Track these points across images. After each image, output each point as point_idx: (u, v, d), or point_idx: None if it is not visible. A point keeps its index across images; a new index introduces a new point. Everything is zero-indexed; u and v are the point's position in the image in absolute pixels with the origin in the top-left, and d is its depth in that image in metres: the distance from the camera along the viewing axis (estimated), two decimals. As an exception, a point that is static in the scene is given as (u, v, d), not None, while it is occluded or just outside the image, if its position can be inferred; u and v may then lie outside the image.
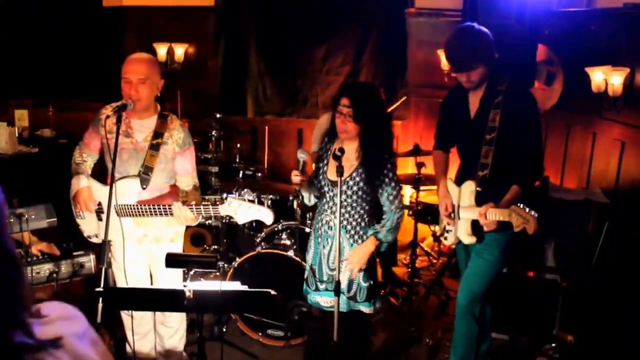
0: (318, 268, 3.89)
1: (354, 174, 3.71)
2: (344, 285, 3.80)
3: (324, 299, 3.90)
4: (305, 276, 3.99)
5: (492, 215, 3.57)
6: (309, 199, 3.96)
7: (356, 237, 3.79)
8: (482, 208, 3.62)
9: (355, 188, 3.71)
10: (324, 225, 3.85)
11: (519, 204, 3.45)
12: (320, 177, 3.83)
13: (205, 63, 7.66)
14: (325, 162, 3.84)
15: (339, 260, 3.56)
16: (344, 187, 3.71)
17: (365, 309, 3.87)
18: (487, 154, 3.71)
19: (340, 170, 3.46)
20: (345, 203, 3.73)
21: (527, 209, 3.40)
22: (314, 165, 3.99)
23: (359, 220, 3.77)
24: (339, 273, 3.56)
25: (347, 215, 3.76)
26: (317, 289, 3.91)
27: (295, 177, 3.69)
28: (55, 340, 1.17)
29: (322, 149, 3.85)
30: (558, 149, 6.30)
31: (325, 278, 3.87)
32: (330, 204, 3.80)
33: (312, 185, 3.89)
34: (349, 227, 3.78)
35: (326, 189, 3.80)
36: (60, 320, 1.22)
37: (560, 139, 6.30)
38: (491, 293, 4.00)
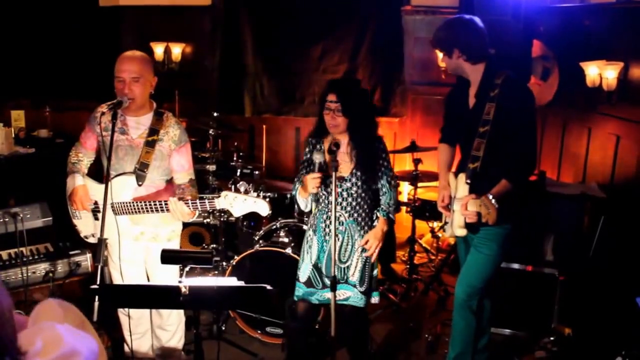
0: (325, 265, 3.92)
1: (355, 169, 3.82)
2: (355, 279, 3.90)
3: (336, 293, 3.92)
4: (306, 279, 3.98)
5: (471, 207, 3.60)
6: (306, 205, 3.99)
7: (366, 227, 3.90)
8: (464, 199, 3.66)
9: (361, 181, 3.83)
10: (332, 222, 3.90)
11: (488, 195, 3.48)
12: (327, 178, 3.85)
13: (203, 62, 7.67)
14: (325, 165, 3.88)
15: (334, 257, 3.60)
16: (349, 184, 3.83)
17: (375, 299, 4.01)
18: (479, 147, 3.71)
19: (334, 165, 3.58)
20: (355, 195, 3.85)
21: (493, 200, 3.44)
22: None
23: (367, 210, 3.91)
24: (334, 268, 3.64)
25: (357, 207, 3.88)
26: (324, 286, 3.94)
27: (316, 180, 3.70)
28: None
29: (315, 153, 3.84)
30: (554, 144, 6.32)
31: (336, 272, 3.89)
32: (340, 199, 3.86)
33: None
34: (359, 218, 3.89)
35: (332, 186, 3.83)
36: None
37: (557, 134, 6.32)
38: (489, 287, 4.01)
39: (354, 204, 3.86)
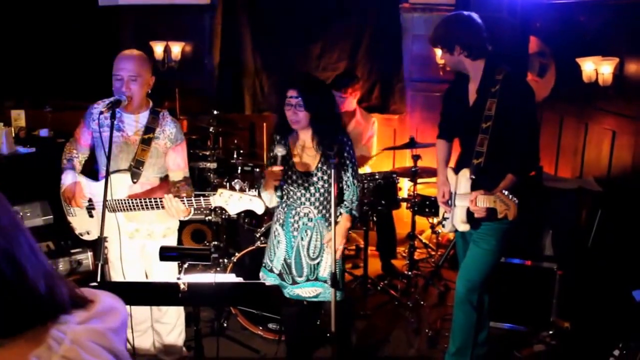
0: (295, 261, 3.95)
1: (320, 163, 3.84)
2: (326, 275, 3.91)
3: (305, 290, 3.96)
4: (278, 272, 4.01)
5: (481, 202, 3.63)
6: (270, 200, 3.97)
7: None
8: (472, 194, 3.68)
9: (327, 175, 3.83)
10: (301, 218, 3.92)
11: (503, 191, 3.51)
12: (289, 172, 3.88)
13: (202, 61, 7.68)
14: (288, 157, 3.90)
15: (333, 253, 3.64)
16: (315, 179, 3.85)
17: (339, 295, 3.91)
18: (483, 142, 3.74)
19: (333, 162, 3.58)
20: (322, 190, 3.87)
21: (510, 196, 3.46)
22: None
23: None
24: (335, 265, 3.66)
25: (325, 203, 3.90)
26: (294, 282, 3.97)
27: (276, 172, 3.71)
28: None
29: (278, 146, 3.83)
30: (551, 139, 6.34)
31: (305, 269, 3.94)
32: (308, 195, 3.88)
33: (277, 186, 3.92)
34: (327, 214, 3.89)
35: (300, 181, 3.87)
36: (98, 316, 1.22)
37: (554, 130, 6.34)
38: (489, 282, 4.04)
39: (321, 199, 3.88)
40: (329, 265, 3.86)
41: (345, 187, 3.92)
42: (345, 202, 3.92)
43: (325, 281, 3.91)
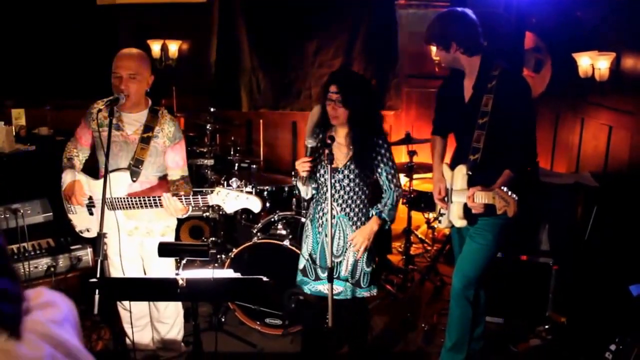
0: (320, 257, 3.94)
1: (349, 161, 3.82)
2: (347, 272, 3.90)
3: (327, 287, 3.94)
4: (302, 267, 4.02)
5: (479, 198, 3.64)
6: (306, 192, 4.00)
7: (359, 223, 3.88)
8: (470, 191, 3.69)
9: (354, 174, 3.81)
10: (325, 214, 3.89)
11: (502, 187, 3.52)
12: (320, 166, 3.88)
13: (199, 59, 7.70)
14: (321, 151, 3.89)
15: (331, 247, 3.64)
16: (341, 176, 3.83)
17: (367, 293, 3.96)
18: (479, 138, 3.75)
19: (330, 158, 3.57)
20: (348, 189, 3.84)
21: (510, 192, 3.46)
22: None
23: (361, 205, 3.88)
24: (332, 259, 3.65)
25: (350, 202, 3.86)
26: (317, 278, 3.96)
27: (305, 163, 3.73)
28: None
29: (309, 138, 3.88)
30: (548, 134, 6.36)
31: (328, 265, 3.94)
32: (333, 191, 3.86)
33: (310, 178, 3.93)
34: (351, 213, 3.87)
35: (327, 176, 3.85)
36: (38, 308, 1.22)
37: (550, 125, 6.37)
38: (485, 277, 4.04)
39: (346, 197, 3.85)
40: (350, 264, 3.89)
41: (383, 191, 3.90)
42: (378, 205, 3.89)
43: (346, 280, 3.91)
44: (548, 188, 5.29)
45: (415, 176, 5.77)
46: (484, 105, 3.72)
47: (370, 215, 3.87)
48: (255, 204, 3.57)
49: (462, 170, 3.84)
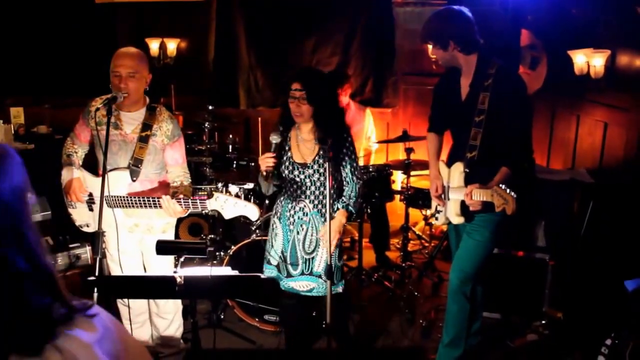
0: (290, 254, 3.96)
1: (317, 156, 3.84)
2: (319, 268, 3.92)
3: (299, 284, 3.97)
4: (276, 263, 4.03)
5: (477, 196, 3.66)
6: (267, 189, 4.01)
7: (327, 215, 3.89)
8: (467, 188, 3.70)
9: (323, 169, 3.80)
10: (297, 212, 3.93)
11: (500, 185, 3.54)
12: (287, 163, 3.91)
13: (197, 57, 7.71)
14: (287, 148, 3.93)
15: (329, 246, 3.65)
16: (311, 171, 3.85)
17: (340, 289, 3.96)
18: (476, 136, 3.76)
19: (326, 156, 3.60)
20: (318, 184, 3.87)
21: (508, 190, 3.48)
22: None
23: (331, 200, 3.83)
24: (330, 258, 3.65)
25: (320, 197, 3.89)
26: (289, 275, 3.98)
27: (269, 159, 3.74)
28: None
29: (273, 134, 3.85)
30: (544, 131, 6.39)
31: (300, 262, 3.95)
32: (303, 188, 3.90)
33: (273, 174, 3.92)
34: (323, 210, 3.88)
35: (296, 172, 3.88)
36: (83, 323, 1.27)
37: (546, 122, 6.39)
38: (482, 273, 4.06)
39: (317, 193, 3.88)
40: (324, 260, 3.88)
41: (344, 183, 3.92)
42: (343, 197, 3.92)
43: (319, 276, 3.92)
44: (544, 184, 5.32)
45: (412, 173, 5.79)
46: (481, 103, 3.74)
47: (336, 209, 3.89)
48: (252, 212, 3.62)
49: (459, 167, 3.86)
